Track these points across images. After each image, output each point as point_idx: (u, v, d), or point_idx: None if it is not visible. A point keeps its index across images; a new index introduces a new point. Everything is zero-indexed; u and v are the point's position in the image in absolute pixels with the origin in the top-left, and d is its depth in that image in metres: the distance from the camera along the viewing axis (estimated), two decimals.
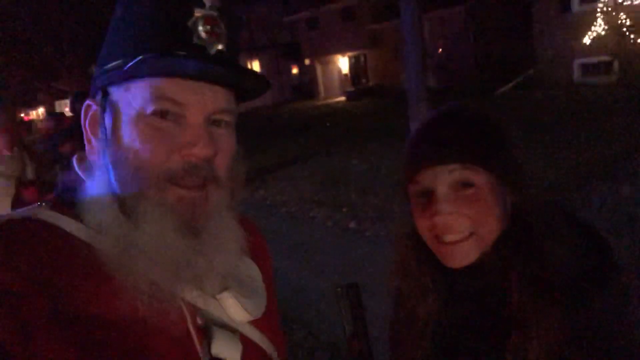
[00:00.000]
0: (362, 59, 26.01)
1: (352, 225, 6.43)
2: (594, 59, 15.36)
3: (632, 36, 13.78)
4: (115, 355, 0.69)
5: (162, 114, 0.73)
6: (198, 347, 0.78)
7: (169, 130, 0.73)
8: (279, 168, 10.71)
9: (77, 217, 0.75)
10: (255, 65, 30.76)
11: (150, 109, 0.73)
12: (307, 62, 28.61)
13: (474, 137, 0.91)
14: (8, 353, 0.60)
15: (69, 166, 0.83)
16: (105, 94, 0.77)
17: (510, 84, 16.79)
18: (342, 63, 27.10)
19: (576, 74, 16.08)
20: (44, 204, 0.78)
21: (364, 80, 26.12)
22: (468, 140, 0.91)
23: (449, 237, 0.91)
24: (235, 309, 0.82)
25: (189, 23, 0.74)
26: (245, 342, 0.84)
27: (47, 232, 0.73)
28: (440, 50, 20.13)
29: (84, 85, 16.21)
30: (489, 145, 0.92)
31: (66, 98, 23.75)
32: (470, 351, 0.93)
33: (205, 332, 0.80)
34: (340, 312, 0.99)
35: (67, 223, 0.74)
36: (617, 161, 6.89)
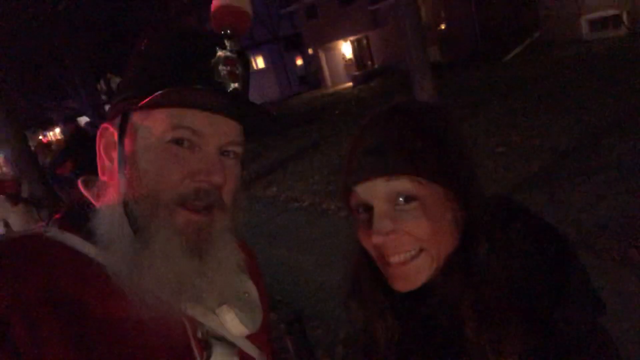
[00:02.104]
0: (364, 41, 25.65)
1: None
2: (602, 13, 14.89)
3: None
4: None
5: (179, 142, 0.78)
6: (198, 359, 0.82)
7: (184, 157, 0.78)
8: (289, 162, 10.65)
9: (85, 236, 0.79)
10: (260, 61, 30.64)
11: (169, 136, 0.78)
12: (310, 51, 28.39)
13: (414, 143, 0.78)
14: (21, 355, 0.65)
15: (67, 186, 0.87)
16: (125, 119, 0.81)
17: (518, 49, 16.39)
18: (346, 48, 26.79)
19: (585, 30, 15.61)
20: (51, 223, 0.81)
21: (369, 63, 25.76)
22: (406, 146, 0.78)
23: (394, 259, 0.80)
24: (233, 323, 0.86)
25: (212, 62, 0.80)
26: (242, 355, 0.89)
27: (55, 248, 0.76)
28: (444, 24, 19.71)
29: (93, 101, 16.41)
30: (432, 151, 0.78)
31: (79, 115, 24.08)
32: None
33: (205, 346, 0.84)
34: (287, 344, 0.96)
35: (75, 240, 0.78)
36: (633, 117, 6.65)
